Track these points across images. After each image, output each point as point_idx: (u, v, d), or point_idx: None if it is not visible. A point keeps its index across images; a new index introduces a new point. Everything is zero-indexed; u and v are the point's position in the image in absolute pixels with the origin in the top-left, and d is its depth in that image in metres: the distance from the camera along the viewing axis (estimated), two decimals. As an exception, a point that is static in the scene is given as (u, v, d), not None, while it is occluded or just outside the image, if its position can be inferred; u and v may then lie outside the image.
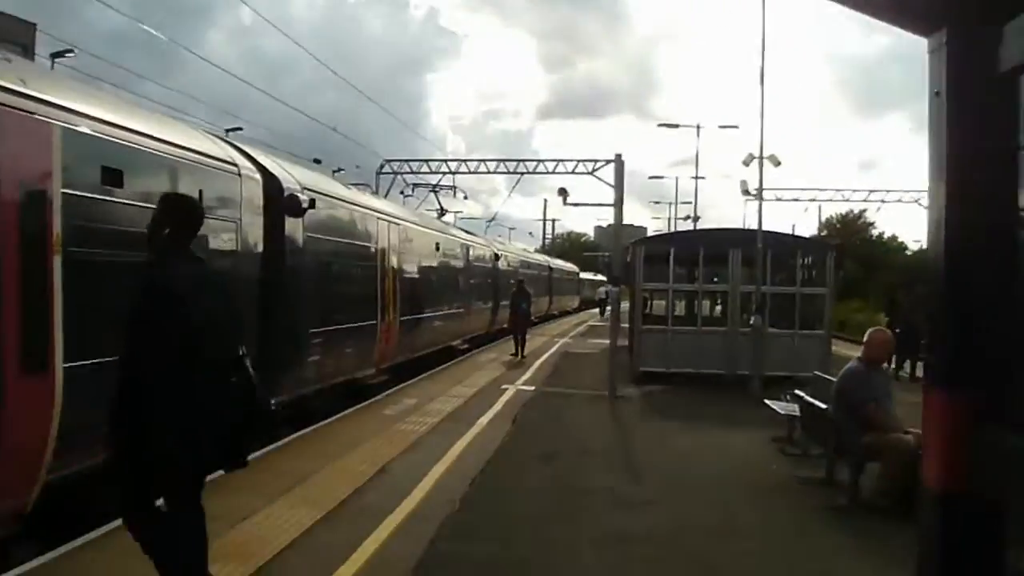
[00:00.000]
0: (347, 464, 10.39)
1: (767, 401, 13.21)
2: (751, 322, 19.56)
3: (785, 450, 11.95)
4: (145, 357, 4.83)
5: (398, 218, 19.02)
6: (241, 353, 5.18)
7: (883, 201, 47.33)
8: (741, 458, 11.61)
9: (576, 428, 13.96)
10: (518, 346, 26.18)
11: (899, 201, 46.78)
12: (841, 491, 9.39)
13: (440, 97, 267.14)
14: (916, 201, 46.06)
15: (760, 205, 19.90)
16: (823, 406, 9.69)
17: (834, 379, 11.88)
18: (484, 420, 14.03)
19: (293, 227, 12.30)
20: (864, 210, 62.06)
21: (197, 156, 9.66)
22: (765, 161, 19.95)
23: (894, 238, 72.37)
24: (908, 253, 70.38)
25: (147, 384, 4.79)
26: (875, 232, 69.46)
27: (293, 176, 12.64)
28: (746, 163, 20.84)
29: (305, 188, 12.70)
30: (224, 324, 5.12)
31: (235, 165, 10.66)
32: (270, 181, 11.74)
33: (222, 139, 11.75)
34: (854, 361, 9.58)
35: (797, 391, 11.56)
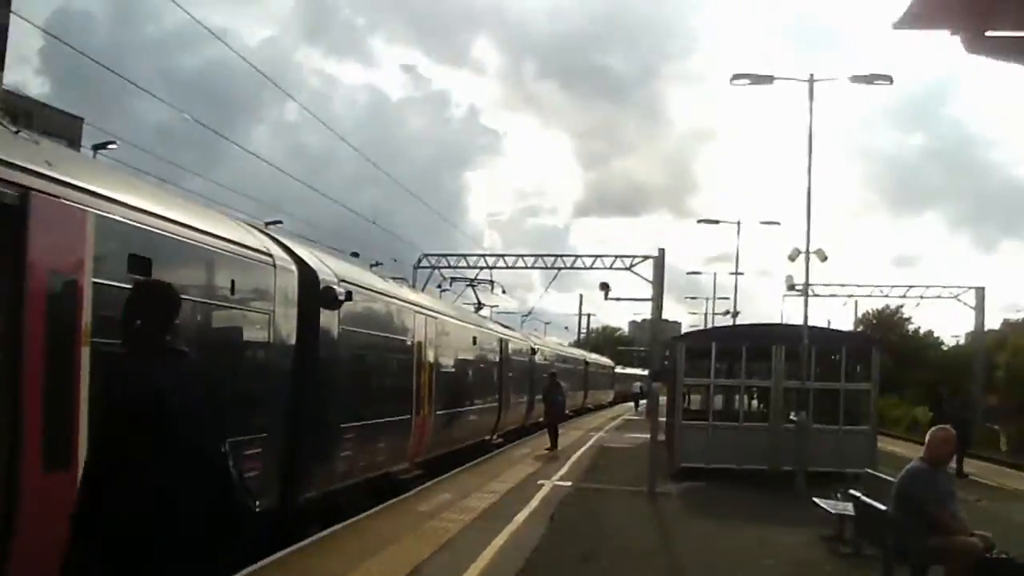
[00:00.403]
0: (378, 565, 9.99)
1: (816, 499, 12.77)
2: (792, 417, 19.20)
3: (838, 550, 11.48)
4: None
5: (435, 311, 18.86)
6: (222, 450, 4.83)
7: (922, 297, 46.72)
8: (792, 559, 11.17)
9: (615, 527, 13.51)
10: (552, 439, 25.81)
11: (938, 297, 46.22)
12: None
13: (478, 193, 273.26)
14: (956, 297, 45.60)
15: (806, 300, 19.60)
16: (881, 507, 9.21)
17: (887, 477, 11.49)
18: (520, 517, 13.59)
19: (328, 319, 12.10)
20: (901, 306, 61.60)
21: (229, 245, 9.51)
22: (812, 256, 19.62)
23: (930, 333, 71.43)
24: (944, 348, 69.49)
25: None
26: (911, 327, 68.62)
27: (329, 268, 12.50)
28: (792, 258, 20.63)
29: (341, 280, 12.54)
30: (198, 419, 4.77)
31: (270, 255, 10.53)
32: (306, 272, 11.58)
33: (259, 229, 11.66)
34: (916, 460, 9.09)
35: (851, 490, 11.11)
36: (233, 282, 9.48)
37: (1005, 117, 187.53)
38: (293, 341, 11.12)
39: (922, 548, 8.46)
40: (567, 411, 36.16)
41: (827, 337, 21.23)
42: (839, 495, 12.33)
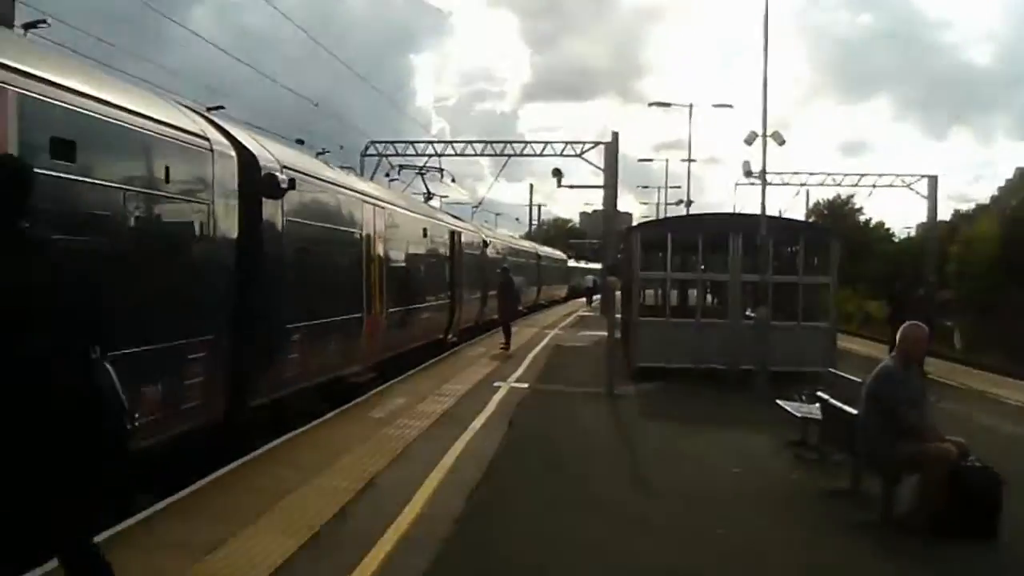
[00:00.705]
0: (331, 478, 9.31)
1: (780, 402, 12.24)
2: (750, 313, 18.71)
3: (804, 456, 11.01)
4: None
5: (384, 201, 17.91)
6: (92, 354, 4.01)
7: (875, 186, 46.00)
8: (757, 466, 10.69)
9: (576, 430, 13.03)
10: (507, 337, 25.40)
11: (891, 186, 45.59)
12: (871, 505, 8.49)
13: (425, 77, 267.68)
14: (908, 186, 45.03)
15: (764, 186, 18.86)
16: (851, 411, 8.70)
17: (852, 377, 10.98)
18: (478, 423, 12.98)
19: (271, 210, 11.23)
20: (852, 195, 61.32)
21: (164, 128, 8.59)
22: (769, 139, 18.82)
23: (881, 224, 71.70)
24: (895, 240, 69.78)
25: None
26: (862, 218, 68.80)
27: (272, 154, 11.55)
28: (748, 142, 19.79)
29: (284, 167, 11.61)
30: (63, 325, 3.93)
31: (207, 140, 9.58)
32: (246, 158, 10.66)
33: (197, 113, 10.63)
34: (887, 359, 8.58)
35: (818, 392, 10.59)
36: (167, 169, 8.58)
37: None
38: (235, 234, 10.27)
39: (893, 455, 7.98)
40: (521, 307, 35.70)
41: (785, 227, 20.58)
42: (803, 397, 11.85)
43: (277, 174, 11.16)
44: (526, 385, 17.47)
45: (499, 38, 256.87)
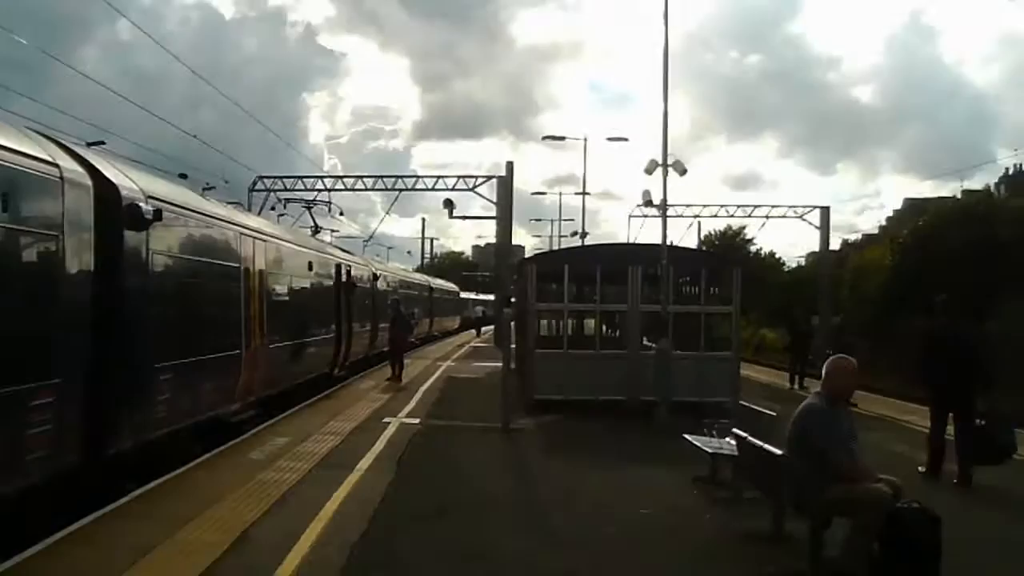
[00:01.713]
0: (199, 532, 8.46)
1: (687, 436, 11.64)
2: (646, 343, 18.36)
3: (715, 494, 10.48)
4: None
5: (265, 234, 17.01)
6: None
7: (768, 216, 46.76)
8: (667, 505, 10.06)
9: (471, 471, 12.27)
10: (395, 370, 24.97)
11: (784, 217, 46.33)
12: (797, 551, 7.87)
13: (317, 117, 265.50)
14: (800, 217, 45.81)
15: (664, 215, 18.52)
16: (773, 450, 8.03)
17: (765, 410, 10.53)
18: (364, 464, 12.21)
19: (134, 242, 10.34)
20: (743, 227, 62.22)
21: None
22: (669, 169, 18.50)
23: (771, 254, 72.71)
24: (786, 269, 70.86)
25: None
26: (753, 248, 69.65)
27: (135, 183, 10.65)
28: (649, 171, 19.36)
29: (150, 197, 10.73)
30: None
31: (55, 166, 8.66)
32: (105, 187, 9.74)
33: (46, 136, 9.68)
34: (813, 396, 7.89)
35: (731, 426, 10.05)
36: (3, 196, 7.67)
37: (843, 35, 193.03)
38: (90, 268, 9.33)
39: (823, 499, 7.37)
40: (413, 339, 35.01)
41: (686, 257, 20.39)
42: (713, 431, 11.33)
43: (141, 204, 10.28)
44: (417, 420, 16.72)
45: (391, 78, 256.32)
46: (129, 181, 10.52)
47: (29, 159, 8.20)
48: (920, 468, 11.84)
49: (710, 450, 10.82)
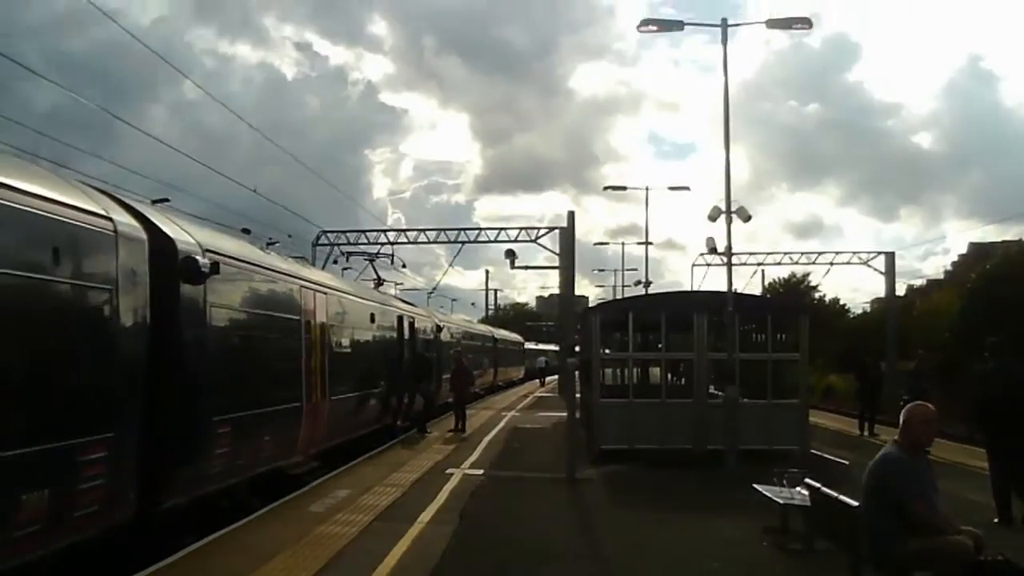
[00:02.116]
0: (253, 589, 8.30)
1: (758, 486, 11.24)
2: (712, 390, 18.02)
3: (786, 546, 10.07)
4: None
5: (327, 287, 16.98)
6: None
7: (832, 263, 46.28)
8: (738, 559, 9.69)
9: (534, 523, 11.95)
10: (458, 422, 24.66)
11: (848, 263, 45.81)
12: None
13: (380, 173, 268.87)
14: (866, 263, 45.27)
15: (729, 263, 18.19)
16: (850, 502, 7.61)
17: (838, 460, 10.13)
18: (426, 516, 11.98)
19: (191, 296, 10.28)
20: (807, 274, 61.53)
21: (48, 206, 7.62)
22: (733, 215, 18.22)
23: (836, 301, 71.65)
24: (851, 316, 69.77)
25: None
26: (818, 295, 68.73)
27: (191, 236, 10.63)
28: (713, 218, 19.09)
29: (207, 251, 10.70)
30: None
31: (109, 220, 8.63)
32: (160, 241, 9.72)
33: (100, 191, 9.69)
34: (891, 446, 7.44)
35: (804, 476, 9.62)
36: (56, 251, 7.63)
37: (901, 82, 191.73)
38: (146, 321, 9.27)
39: (902, 552, 6.97)
40: (475, 389, 34.82)
41: (753, 304, 20.04)
42: (784, 480, 10.90)
43: (197, 257, 10.24)
44: (481, 472, 16.47)
45: (452, 134, 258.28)
46: (185, 235, 10.50)
47: (82, 213, 8.17)
48: (995, 519, 11.35)
49: (781, 500, 10.41)
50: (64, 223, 7.82)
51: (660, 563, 9.68)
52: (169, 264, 9.79)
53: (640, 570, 9.39)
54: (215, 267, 10.56)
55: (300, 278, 15.18)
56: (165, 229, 10.01)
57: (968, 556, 6.74)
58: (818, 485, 8.58)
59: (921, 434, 7.38)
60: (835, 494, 8.02)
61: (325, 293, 16.39)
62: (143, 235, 9.36)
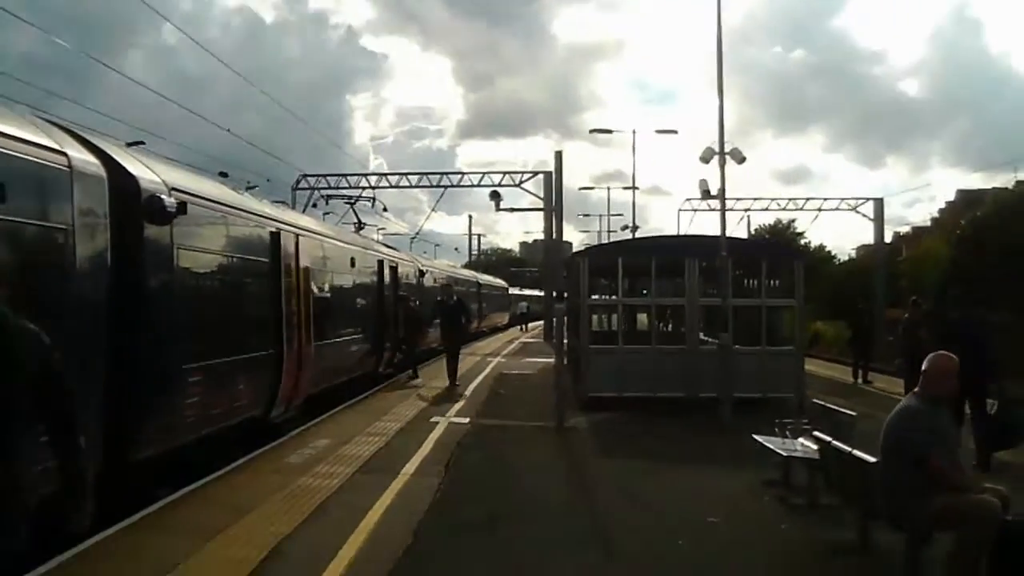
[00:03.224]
0: (226, 547, 7.75)
1: (758, 437, 10.73)
2: (703, 337, 17.56)
3: (788, 500, 9.59)
4: None
5: (307, 230, 16.34)
6: None
7: (820, 209, 46.10)
8: (737, 513, 9.17)
9: (523, 474, 11.44)
10: (451, 372, 22.55)
11: (836, 209, 45.66)
12: (890, 567, 7.00)
13: (361, 118, 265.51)
14: (854, 209, 45.09)
15: (723, 205, 17.55)
16: (867, 458, 7.00)
17: (846, 411, 9.64)
18: (410, 468, 11.46)
19: (157, 237, 9.65)
20: (793, 220, 61.38)
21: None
22: (727, 157, 17.58)
23: (821, 247, 71.50)
24: (837, 263, 69.72)
25: None
26: (803, 242, 68.56)
27: (157, 175, 9.96)
28: (705, 159, 18.44)
29: (174, 189, 10.03)
30: None
31: (63, 154, 7.97)
32: (122, 179, 9.06)
33: (56, 125, 8.99)
34: (911, 397, 6.93)
35: (813, 430, 9.04)
36: (0, 187, 6.96)
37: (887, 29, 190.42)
38: (107, 264, 8.65)
39: (925, 511, 6.45)
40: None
41: (746, 248, 19.51)
42: (787, 432, 10.37)
43: (163, 197, 9.58)
44: (467, 420, 15.96)
45: (435, 79, 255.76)
46: (150, 173, 9.83)
47: (31, 146, 7.50)
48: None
49: (784, 452, 9.91)
50: (9, 156, 7.15)
51: (654, 517, 9.15)
52: (132, 203, 9.14)
53: (633, 524, 8.85)
54: (182, 207, 9.92)
55: (278, 220, 14.53)
56: (127, 166, 9.34)
57: (997, 515, 6.24)
58: (828, 439, 8.03)
59: (940, 386, 6.85)
60: (848, 448, 7.46)
61: (304, 236, 15.73)
62: (102, 172, 8.70)
